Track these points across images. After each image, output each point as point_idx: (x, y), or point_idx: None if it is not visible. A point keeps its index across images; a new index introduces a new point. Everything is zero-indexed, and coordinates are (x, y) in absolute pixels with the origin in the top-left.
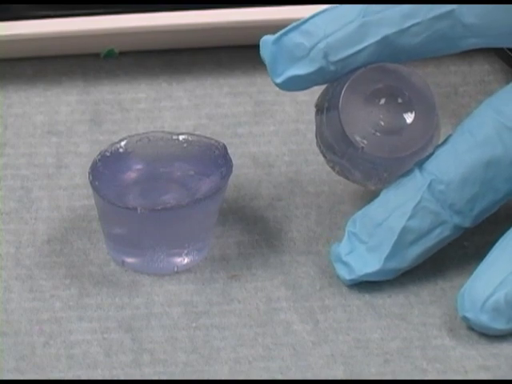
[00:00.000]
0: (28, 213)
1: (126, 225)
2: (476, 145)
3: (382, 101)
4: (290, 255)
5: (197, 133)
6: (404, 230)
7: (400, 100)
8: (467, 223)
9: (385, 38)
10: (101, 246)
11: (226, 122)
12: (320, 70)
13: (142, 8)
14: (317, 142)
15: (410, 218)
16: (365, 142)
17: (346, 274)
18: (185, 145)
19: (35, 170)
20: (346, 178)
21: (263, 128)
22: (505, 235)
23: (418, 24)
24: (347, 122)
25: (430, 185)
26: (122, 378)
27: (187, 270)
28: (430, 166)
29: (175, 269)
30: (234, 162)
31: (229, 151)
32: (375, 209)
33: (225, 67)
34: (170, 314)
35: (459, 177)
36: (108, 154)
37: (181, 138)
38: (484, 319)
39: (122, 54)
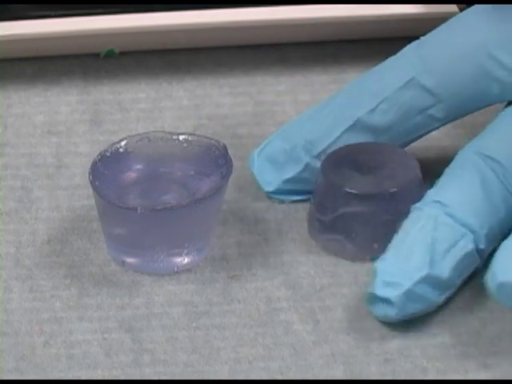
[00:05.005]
0: (28, 213)
1: (126, 225)
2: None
3: (364, 169)
4: (290, 255)
5: (197, 133)
6: (433, 240)
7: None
8: (482, 244)
9: (358, 121)
10: (101, 245)
11: (226, 123)
12: (306, 166)
13: (142, 8)
14: (310, 232)
15: (433, 230)
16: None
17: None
18: (185, 145)
19: (35, 170)
20: (342, 254)
21: (263, 128)
22: None
23: (384, 101)
24: (331, 178)
25: (437, 216)
26: (122, 378)
27: (187, 270)
28: (437, 197)
29: (175, 269)
30: (234, 162)
31: (229, 152)
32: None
33: (225, 67)
34: (170, 313)
35: (464, 199)
36: (108, 154)
37: (181, 137)
38: None
39: (122, 53)
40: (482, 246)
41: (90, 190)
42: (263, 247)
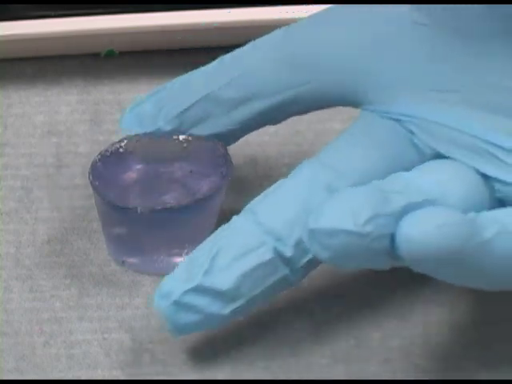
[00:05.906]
0: (28, 213)
1: (126, 225)
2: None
3: None
4: None
5: None
6: (221, 248)
7: None
8: (289, 252)
9: (211, 94)
10: (101, 245)
11: None
12: (158, 129)
13: (142, 8)
14: None
15: (227, 237)
16: None
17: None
18: (185, 145)
19: (35, 170)
20: None
21: (263, 129)
22: None
23: (239, 76)
24: None
25: (241, 223)
26: (122, 378)
27: None
28: (252, 205)
29: None
30: (234, 162)
31: (229, 152)
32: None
33: None
34: None
35: (277, 206)
36: (108, 153)
37: (181, 137)
38: None
39: (122, 53)
40: (288, 254)
41: (90, 190)
42: None
